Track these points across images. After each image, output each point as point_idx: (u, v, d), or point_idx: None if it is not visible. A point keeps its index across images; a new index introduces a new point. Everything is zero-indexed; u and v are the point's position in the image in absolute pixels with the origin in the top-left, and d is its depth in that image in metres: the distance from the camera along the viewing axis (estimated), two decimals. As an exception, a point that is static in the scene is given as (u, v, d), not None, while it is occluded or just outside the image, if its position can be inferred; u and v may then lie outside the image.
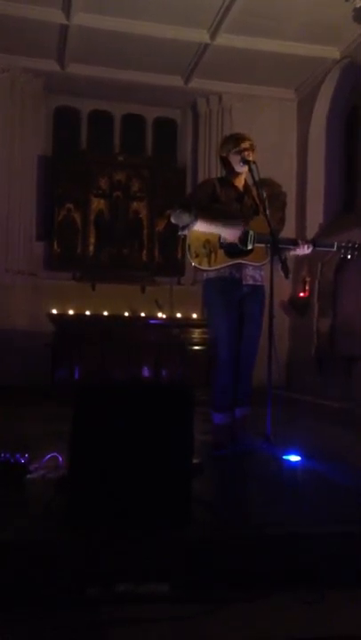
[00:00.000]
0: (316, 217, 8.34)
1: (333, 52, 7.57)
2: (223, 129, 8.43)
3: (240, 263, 3.54)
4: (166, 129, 9.24)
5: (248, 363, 3.66)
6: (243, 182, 3.71)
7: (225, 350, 3.59)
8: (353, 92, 7.99)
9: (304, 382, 7.72)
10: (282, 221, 8.55)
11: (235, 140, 3.65)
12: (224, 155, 3.69)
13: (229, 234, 3.48)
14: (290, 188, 8.66)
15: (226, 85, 8.36)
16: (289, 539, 2.20)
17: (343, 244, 3.54)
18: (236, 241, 3.50)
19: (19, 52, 7.69)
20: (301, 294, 8.12)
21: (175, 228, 3.60)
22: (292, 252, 3.59)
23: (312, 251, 3.57)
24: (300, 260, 7.93)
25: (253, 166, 3.51)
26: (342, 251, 3.54)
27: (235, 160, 3.61)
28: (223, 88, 8.42)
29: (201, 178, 8.41)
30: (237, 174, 3.67)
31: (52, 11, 6.79)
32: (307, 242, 3.56)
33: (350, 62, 7.56)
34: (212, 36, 7.18)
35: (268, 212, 3.50)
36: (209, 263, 3.53)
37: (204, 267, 3.56)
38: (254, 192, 3.71)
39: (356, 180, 7.64)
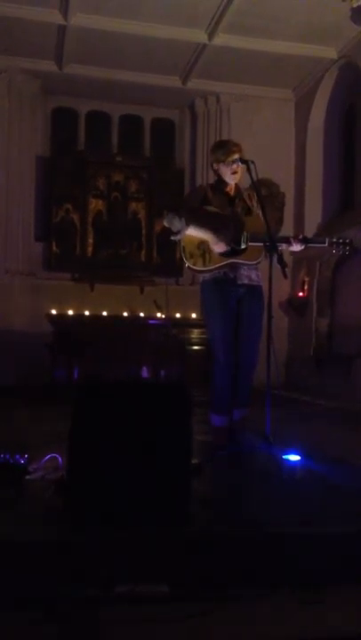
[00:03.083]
0: (314, 216, 8.35)
1: (331, 52, 7.59)
2: (221, 129, 8.45)
3: (234, 263, 3.56)
4: (164, 129, 9.25)
5: (248, 364, 3.65)
6: (234, 188, 3.73)
7: (221, 352, 3.59)
8: (350, 92, 8.00)
9: (303, 382, 7.72)
10: (280, 221, 8.57)
11: (223, 151, 3.63)
12: (215, 164, 3.70)
13: (216, 245, 3.49)
14: (288, 188, 8.67)
15: (224, 85, 8.38)
16: (288, 538, 2.20)
17: (335, 240, 3.61)
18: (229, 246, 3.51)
19: (16, 52, 7.70)
20: (300, 294, 8.13)
21: (170, 231, 3.62)
22: (285, 249, 3.61)
23: (305, 247, 3.59)
24: (299, 260, 7.94)
25: (252, 166, 3.51)
26: (334, 246, 3.59)
27: (225, 172, 3.64)
28: (221, 88, 8.43)
29: (199, 178, 8.42)
30: (228, 183, 3.69)
31: (49, 11, 6.80)
32: (299, 239, 3.58)
33: (348, 62, 7.57)
34: (210, 36, 7.20)
35: (265, 211, 3.53)
36: (204, 263, 3.55)
37: (199, 267, 3.58)
38: (245, 195, 3.74)
39: (355, 179, 7.65)
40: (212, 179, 3.91)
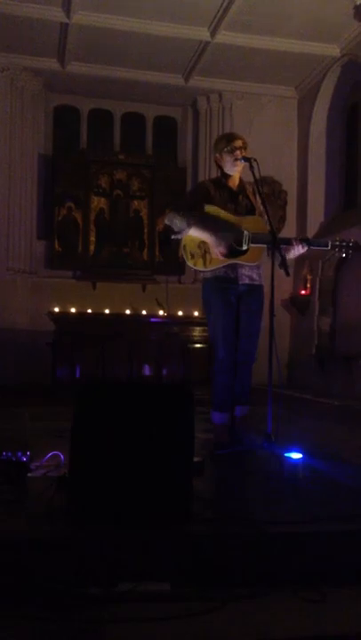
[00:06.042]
0: (317, 215, 8.33)
1: (334, 50, 7.56)
2: (224, 127, 8.44)
3: (235, 263, 3.54)
4: (166, 127, 9.23)
5: (247, 361, 3.66)
6: (237, 182, 3.71)
7: (222, 349, 3.59)
8: (353, 90, 7.98)
9: (305, 380, 7.71)
10: (282, 220, 8.56)
11: (226, 140, 3.65)
12: (217, 155, 3.69)
13: (218, 247, 3.47)
14: (290, 187, 8.65)
15: (226, 83, 8.36)
16: (290, 537, 2.19)
17: (337, 243, 3.52)
18: (230, 247, 3.49)
19: (19, 50, 7.69)
20: (302, 292, 8.12)
21: (170, 230, 3.61)
22: (286, 252, 3.56)
23: (307, 250, 3.54)
24: (302, 258, 7.92)
25: (255, 164, 3.50)
26: (336, 249, 3.52)
27: (227, 160, 3.61)
28: (224, 86, 8.41)
29: (201, 176, 8.41)
30: (230, 175, 3.67)
31: (52, 9, 6.79)
32: (301, 241, 3.53)
33: (351, 60, 7.55)
34: (213, 33, 7.18)
35: (267, 209, 3.52)
36: (204, 264, 3.54)
37: (200, 267, 3.58)
38: (249, 190, 3.71)
39: (357, 177, 7.63)
40: (214, 175, 3.89)
